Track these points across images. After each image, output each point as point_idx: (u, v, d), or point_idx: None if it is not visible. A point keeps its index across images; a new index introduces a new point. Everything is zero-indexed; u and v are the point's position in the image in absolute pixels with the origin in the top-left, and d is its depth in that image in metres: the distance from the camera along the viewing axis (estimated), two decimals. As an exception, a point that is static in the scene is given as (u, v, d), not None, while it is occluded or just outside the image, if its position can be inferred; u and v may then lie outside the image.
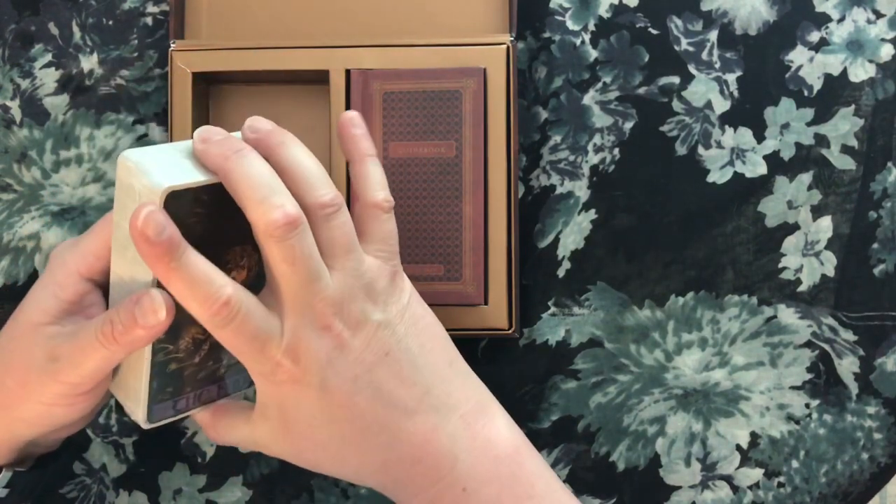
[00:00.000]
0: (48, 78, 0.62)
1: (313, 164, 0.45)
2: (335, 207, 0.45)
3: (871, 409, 0.59)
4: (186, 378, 0.47)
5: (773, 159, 0.60)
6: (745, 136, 0.60)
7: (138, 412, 0.46)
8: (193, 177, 0.43)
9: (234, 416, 0.49)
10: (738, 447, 0.59)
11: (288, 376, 0.45)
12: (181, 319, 0.45)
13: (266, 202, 0.43)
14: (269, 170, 0.44)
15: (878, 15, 0.60)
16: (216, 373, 0.48)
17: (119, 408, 0.61)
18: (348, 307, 0.45)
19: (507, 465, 0.47)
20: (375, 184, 0.48)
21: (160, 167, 0.43)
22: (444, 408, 0.47)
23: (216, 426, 0.49)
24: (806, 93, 0.60)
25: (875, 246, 0.59)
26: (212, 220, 0.44)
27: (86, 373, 0.46)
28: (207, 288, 0.43)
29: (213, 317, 0.43)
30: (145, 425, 0.47)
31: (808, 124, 0.60)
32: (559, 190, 0.60)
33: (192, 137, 0.45)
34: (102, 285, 0.49)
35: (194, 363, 0.47)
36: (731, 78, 0.60)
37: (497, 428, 0.48)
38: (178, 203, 0.43)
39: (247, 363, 0.45)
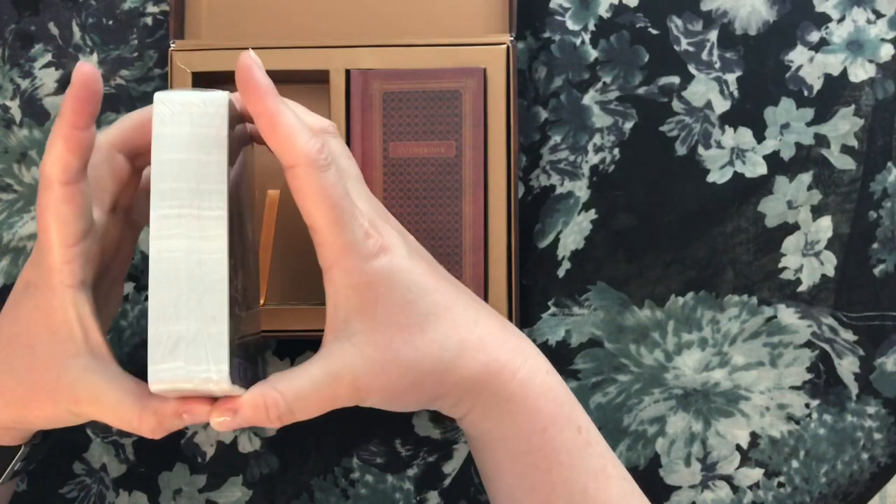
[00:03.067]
0: (48, 78, 0.62)
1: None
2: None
3: (871, 409, 0.59)
4: (236, 333, 0.43)
5: (773, 159, 0.60)
6: (745, 136, 0.60)
7: (219, 366, 0.41)
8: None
9: (291, 372, 0.45)
10: (738, 447, 0.59)
11: (379, 246, 0.44)
12: (235, 251, 0.43)
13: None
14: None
15: (878, 15, 0.60)
16: (246, 346, 0.45)
17: (119, 408, 0.61)
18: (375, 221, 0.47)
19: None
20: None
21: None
22: None
23: (283, 390, 0.44)
24: (806, 93, 0.60)
25: (875, 246, 0.59)
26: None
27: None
28: (311, 124, 0.45)
29: (319, 153, 0.43)
30: (227, 384, 0.41)
31: (808, 124, 0.60)
32: (559, 190, 0.60)
33: None
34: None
35: (240, 316, 0.44)
36: (731, 78, 0.60)
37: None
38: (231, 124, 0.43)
39: (338, 229, 0.43)
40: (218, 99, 0.43)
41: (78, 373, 0.45)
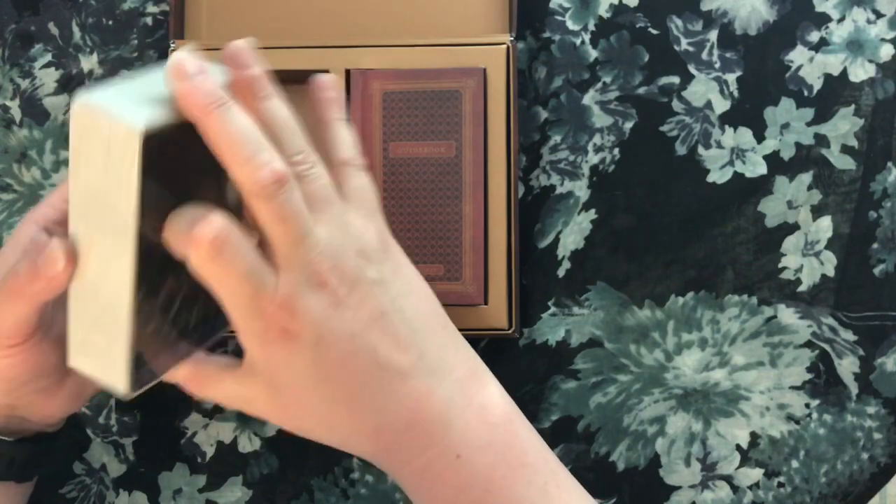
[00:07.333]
0: (48, 78, 0.62)
1: (291, 118, 0.44)
2: (311, 164, 0.44)
3: (871, 409, 0.59)
4: (162, 338, 0.45)
5: (773, 159, 0.60)
6: (745, 136, 0.60)
7: (119, 380, 0.44)
8: (167, 114, 0.41)
9: (220, 370, 0.46)
10: (738, 447, 0.59)
11: (281, 333, 0.43)
12: (154, 275, 0.43)
13: (253, 161, 0.41)
14: (252, 125, 0.42)
15: (878, 15, 0.60)
16: (187, 327, 0.46)
17: (119, 407, 0.61)
18: (343, 263, 0.44)
19: (502, 433, 0.46)
20: (343, 144, 0.48)
21: (128, 105, 0.40)
22: (439, 371, 0.46)
23: (200, 380, 0.46)
24: (806, 93, 0.60)
25: (875, 246, 0.59)
26: (189, 159, 0.43)
27: (5, 325, 0.46)
28: (192, 220, 0.41)
29: (203, 248, 0.41)
30: (128, 394, 0.44)
31: (808, 124, 0.60)
32: (559, 190, 0.60)
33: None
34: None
35: (168, 320, 0.45)
36: (731, 78, 0.60)
37: (491, 394, 0.47)
38: (157, 144, 0.40)
39: (238, 318, 0.43)
40: (129, 135, 0.40)
41: None
